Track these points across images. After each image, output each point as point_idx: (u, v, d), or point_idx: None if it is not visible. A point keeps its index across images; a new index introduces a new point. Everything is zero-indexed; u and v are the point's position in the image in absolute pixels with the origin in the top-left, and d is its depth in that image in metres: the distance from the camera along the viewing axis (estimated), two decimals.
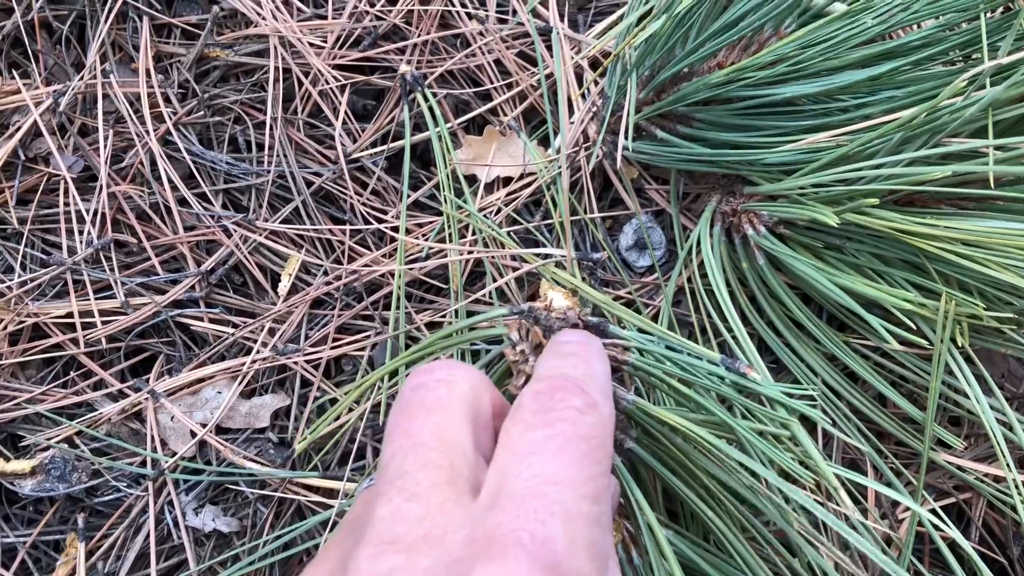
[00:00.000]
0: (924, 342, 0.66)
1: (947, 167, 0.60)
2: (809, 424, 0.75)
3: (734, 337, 0.72)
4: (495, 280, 0.79)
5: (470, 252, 0.79)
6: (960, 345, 0.68)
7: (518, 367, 0.58)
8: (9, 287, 0.80)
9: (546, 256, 0.77)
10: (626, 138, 0.74)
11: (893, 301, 0.63)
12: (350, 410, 0.75)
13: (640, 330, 0.64)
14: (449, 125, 0.85)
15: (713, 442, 0.53)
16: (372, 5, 0.87)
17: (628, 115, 0.73)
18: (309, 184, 0.83)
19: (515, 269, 0.79)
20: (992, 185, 0.60)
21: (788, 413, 0.57)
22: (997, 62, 0.61)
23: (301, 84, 0.86)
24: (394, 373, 0.68)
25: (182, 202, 0.82)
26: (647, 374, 0.57)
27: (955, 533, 0.66)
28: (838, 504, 0.64)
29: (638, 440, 0.58)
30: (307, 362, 0.78)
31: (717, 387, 0.56)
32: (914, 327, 0.67)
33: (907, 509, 0.74)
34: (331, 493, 0.75)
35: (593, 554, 0.34)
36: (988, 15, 0.68)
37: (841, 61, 0.70)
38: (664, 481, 0.59)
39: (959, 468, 0.74)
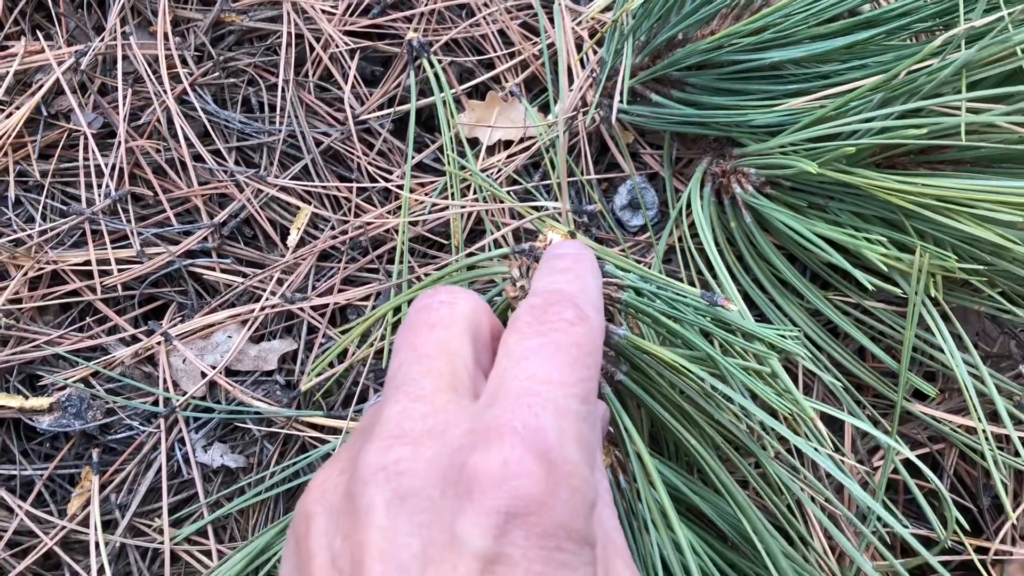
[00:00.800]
0: (899, 291, 0.69)
1: (923, 120, 0.64)
2: (791, 374, 0.78)
3: (719, 285, 0.76)
4: (497, 244, 0.83)
5: (471, 207, 0.83)
6: (934, 297, 0.72)
7: (518, 303, 0.61)
8: (30, 235, 0.84)
9: (543, 209, 0.81)
10: (621, 99, 0.78)
11: (870, 248, 0.67)
12: (352, 353, 0.79)
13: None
14: (453, 91, 0.89)
15: (699, 373, 0.57)
16: None
17: (623, 76, 0.77)
18: (318, 143, 0.87)
19: (515, 230, 0.83)
20: (963, 138, 0.64)
21: (769, 349, 0.61)
22: (970, 25, 0.65)
23: (312, 49, 0.90)
24: (397, 311, 0.71)
25: (197, 158, 0.86)
26: (639, 311, 0.60)
27: (931, 477, 0.70)
28: (815, 441, 0.67)
29: (628, 374, 0.62)
30: (314, 309, 0.82)
31: (702, 324, 0.59)
32: (890, 278, 0.71)
33: (883, 457, 0.78)
34: (334, 432, 0.78)
35: (581, 446, 0.37)
36: None
37: (826, 28, 0.74)
38: (651, 413, 0.63)
39: (933, 419, 0.78)
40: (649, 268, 0.82)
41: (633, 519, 0.63)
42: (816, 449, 0.64)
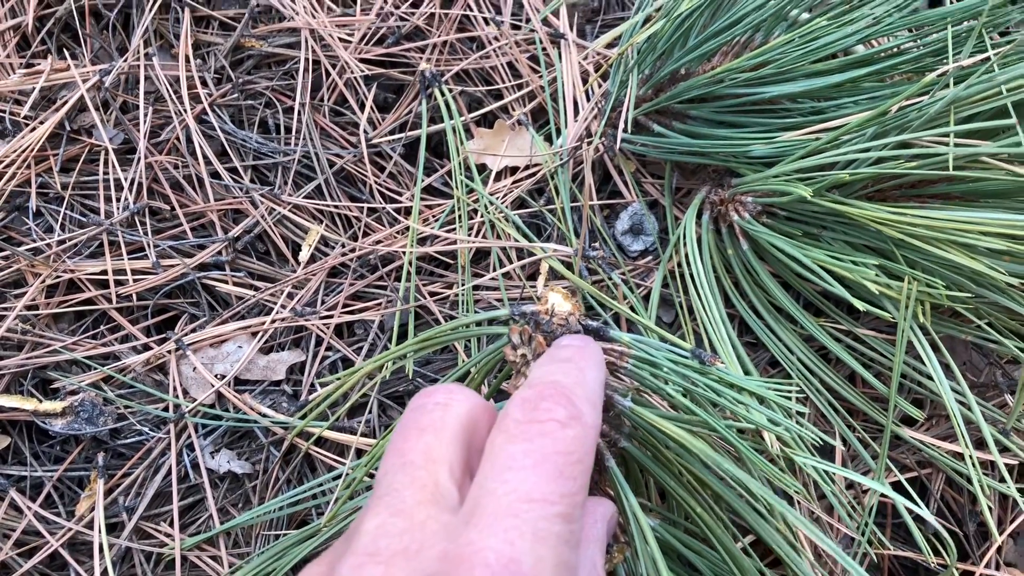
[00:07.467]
0: (888, 316, 0.72)
1: (915, 151, 0.68)
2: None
3: (710, 318, 0.79)
4: (500, 263, 0.86)
5: (479, 243, 0.86)
6: (922, 325, 0.74)
7: (517, 367, 0.60)
8: (49, 245, 0.87)
9: (550, 251, 0.84)
10: (625, 128, 0.81)
11: (862, 272, 0.70)
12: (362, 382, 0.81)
13: (629, 326, 0.69)
14: (463, 119, 0.92)
15: (700, 447, 0.57)
16: (397, 7, 0.95)
17: (628, 106, 0.81)
18: (331, 164, 0.90)
19: (519, 251, 0.86)
20: (951, 168, 0.67)
21: (752, 398, 0.62)
22: (959, 64, 0.69)
23: (328, 75, 0.93)
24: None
25: (214, 175, 0.89)
26: (640, 379, 0.61)
27: (919, 508, 0.72)
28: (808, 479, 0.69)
29: (630, 435, 0.62)
30: (322, 321, 0.84)
31: (701, 392, 0.59)
32: (881, 306, 0.74)
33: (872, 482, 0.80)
34: (339, 445, 0.80)
35: (559, 573, 0.36)
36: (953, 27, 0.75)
37: (823, 66, 0.78)
38: (657, 479, 0.63)
39: (921, 443, 0.80)
40: (648, 292, 0.85)
41: None
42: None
